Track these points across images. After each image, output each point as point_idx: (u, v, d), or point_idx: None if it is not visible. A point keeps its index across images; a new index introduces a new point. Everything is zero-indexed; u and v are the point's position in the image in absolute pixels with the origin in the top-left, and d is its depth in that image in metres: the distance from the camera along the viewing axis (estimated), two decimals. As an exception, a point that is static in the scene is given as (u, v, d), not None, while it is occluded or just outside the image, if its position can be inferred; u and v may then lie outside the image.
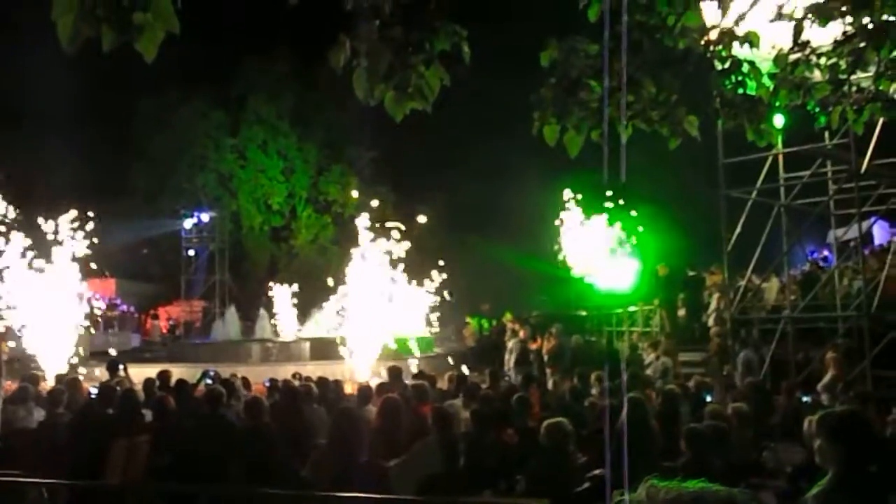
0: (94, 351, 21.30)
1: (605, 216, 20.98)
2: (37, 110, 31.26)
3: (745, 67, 5.49)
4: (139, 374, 13.21)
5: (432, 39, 4.21)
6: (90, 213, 17.32)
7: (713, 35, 5.37)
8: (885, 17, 5.46)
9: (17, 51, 28.85)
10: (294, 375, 12.52)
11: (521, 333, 19.76)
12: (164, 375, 11.40)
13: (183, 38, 3.54)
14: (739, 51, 5.43)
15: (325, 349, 19.67)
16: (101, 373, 14.74)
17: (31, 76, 28.76)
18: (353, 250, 17.71)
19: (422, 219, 23.91)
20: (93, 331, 19.38)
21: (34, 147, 32.63)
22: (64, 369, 15.77)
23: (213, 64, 35.75)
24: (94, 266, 17.79)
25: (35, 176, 30.32)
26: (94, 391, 10.25)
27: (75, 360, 17.12)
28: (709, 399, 9.53)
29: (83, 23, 3.20)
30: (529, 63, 5.37)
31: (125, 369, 13.27)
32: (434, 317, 22.93)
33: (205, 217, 39.09)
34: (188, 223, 39.19)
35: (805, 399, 11.42)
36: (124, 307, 33.61)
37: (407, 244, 18.43)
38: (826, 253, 22.00)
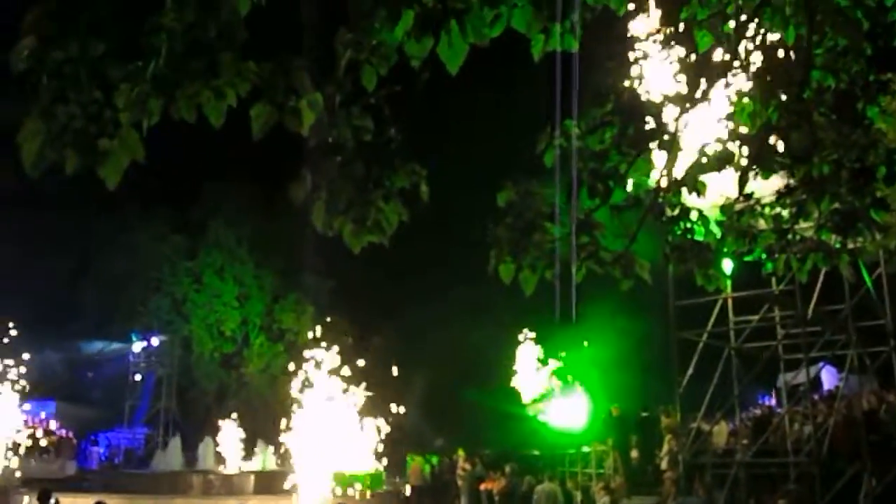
0: (27, 478, 20.30)
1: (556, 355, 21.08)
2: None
3: (694, 215, 5.69)
4: (72, 504, 12.60)
5: (392, 176, 4.33)
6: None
7: (663, 183, 5.60)
8: (823, 171, 5.76)
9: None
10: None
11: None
12: (98, 507, 10.88)
13: (146, 161, 3.59)
14: (688, 198, 5.65)
15: (270, 483, 19.04)
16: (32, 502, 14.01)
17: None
18: (302, 381, 17.43)
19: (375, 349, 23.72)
20: (27, 460, 18.52)
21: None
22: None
23: (174, 187, 36.09)
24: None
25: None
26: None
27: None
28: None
29: (48, 147, 3.25)
30: (489, 198, 5.50)
31: (57, 500, 12.67)
32: (380, 452, 22.37)
33: (155, 341, 38.36)
34: (137, 347, 38.38)
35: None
36: (63, 432, 32.28)
37: (359, 376, 18.20)
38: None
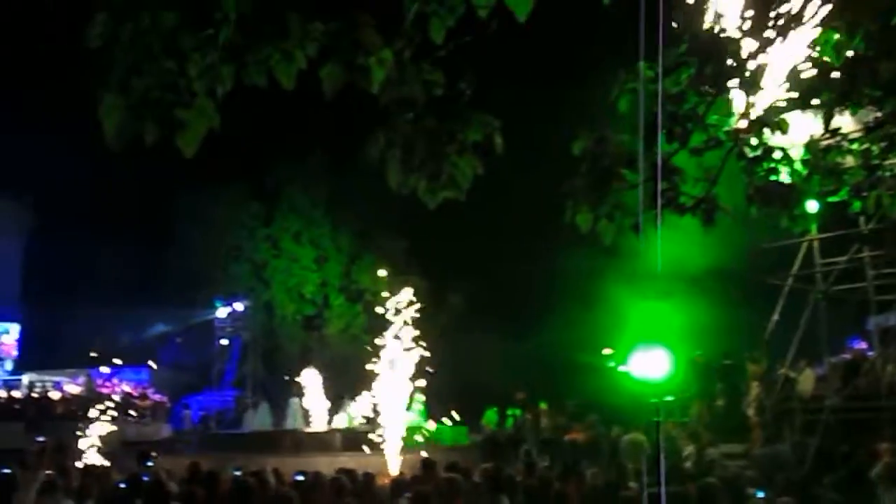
0: (126, 440, 21.29)
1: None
2: (73, 203, 32.28)
3: (778, 154, 5.49)
4: (170, 464, 13.12)
5: (465, 130, 4.27)
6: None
7: (743, 123, 5.40)
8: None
9: (47, 146, 29.90)
10: (337, 472, 12.21)
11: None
12: (194, 467, 11.27)
13: (222, 131, 3.63)
14: (771, 138, 5.44)
15: (356, 440, 19.44)
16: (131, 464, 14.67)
17: (64, 169, 29.69)
18: (383, 340, 17.66)
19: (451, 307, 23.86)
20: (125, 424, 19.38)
21: (71, 242, 33.59)
22: (95, 460, 15.71)
23: (250, 155, 36.65)
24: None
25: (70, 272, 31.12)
26: (122, 483, 10.15)
27: (107, 451, 17.09)
28: (760, 495, 9.16)
29: (129, 120, 3.30)
30: (565, 151, 5.39)
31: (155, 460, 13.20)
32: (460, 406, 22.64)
33: (238, 306, 39.41)
34: (222, 312, 39.52)
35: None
36: (157, 396, 33.63)
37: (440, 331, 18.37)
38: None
